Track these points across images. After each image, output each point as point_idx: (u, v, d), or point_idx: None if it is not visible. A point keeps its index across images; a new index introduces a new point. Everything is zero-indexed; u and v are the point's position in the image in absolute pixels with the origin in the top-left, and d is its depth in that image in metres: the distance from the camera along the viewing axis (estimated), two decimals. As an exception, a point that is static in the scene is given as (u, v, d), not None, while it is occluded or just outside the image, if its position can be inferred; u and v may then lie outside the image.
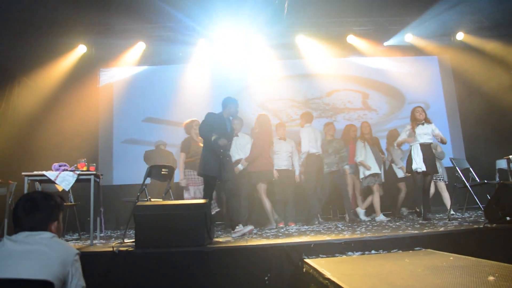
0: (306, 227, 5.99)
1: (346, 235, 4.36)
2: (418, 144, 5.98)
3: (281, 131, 6.81)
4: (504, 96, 8.83)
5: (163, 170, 5.35)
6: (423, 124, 6.03)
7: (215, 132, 4.99)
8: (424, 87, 9.26)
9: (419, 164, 5.89)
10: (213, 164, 5.02)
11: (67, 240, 5.21)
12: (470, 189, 6.18)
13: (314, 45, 8.94)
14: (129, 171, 8.24)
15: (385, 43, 9.10)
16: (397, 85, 9.23)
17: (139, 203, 4.30)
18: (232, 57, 9.07)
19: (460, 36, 9.01)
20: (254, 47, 8.91)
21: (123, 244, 4.29)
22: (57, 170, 4.92)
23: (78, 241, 5.50)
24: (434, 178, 6.76)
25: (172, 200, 5.49)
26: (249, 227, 5.09)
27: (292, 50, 9.08)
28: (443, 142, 6.00)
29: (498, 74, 8.80)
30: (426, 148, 5.99)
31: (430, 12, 8.31)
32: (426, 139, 5.99)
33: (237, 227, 5.04)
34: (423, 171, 5.89)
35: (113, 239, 5.36)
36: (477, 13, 8.53)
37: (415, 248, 3.77)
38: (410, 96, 9.21)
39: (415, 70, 9.21)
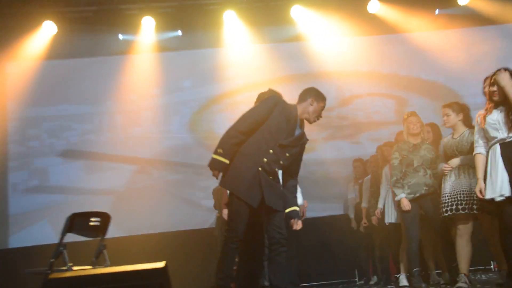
0: None
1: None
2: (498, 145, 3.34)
3: None
4: None
5: (91, 220, 3.62)
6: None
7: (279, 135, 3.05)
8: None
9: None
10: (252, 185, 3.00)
11: None
12: None
13: (318, 20, 6.38)
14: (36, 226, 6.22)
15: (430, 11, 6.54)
16: (449, 82, 6.42)
17: (53, 275, 2.85)
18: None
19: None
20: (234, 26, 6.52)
21: None
22: None
23: None
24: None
25: (108, 266, 3.67)
26: None
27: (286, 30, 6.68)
28: None
29: None
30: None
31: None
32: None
33: None
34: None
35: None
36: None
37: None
38: (469, 99, 5.49)
39: (475, 51, 6.41)
